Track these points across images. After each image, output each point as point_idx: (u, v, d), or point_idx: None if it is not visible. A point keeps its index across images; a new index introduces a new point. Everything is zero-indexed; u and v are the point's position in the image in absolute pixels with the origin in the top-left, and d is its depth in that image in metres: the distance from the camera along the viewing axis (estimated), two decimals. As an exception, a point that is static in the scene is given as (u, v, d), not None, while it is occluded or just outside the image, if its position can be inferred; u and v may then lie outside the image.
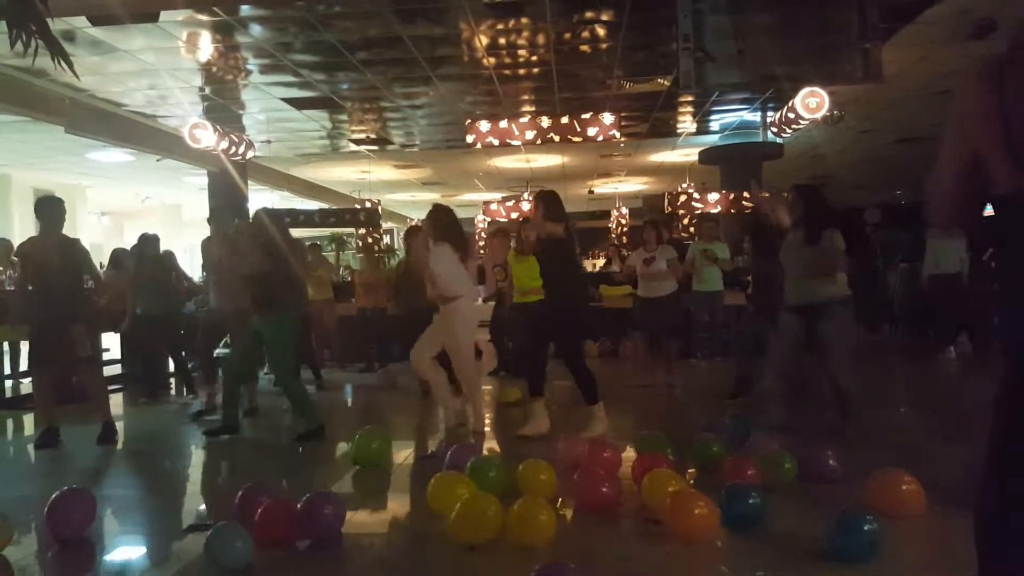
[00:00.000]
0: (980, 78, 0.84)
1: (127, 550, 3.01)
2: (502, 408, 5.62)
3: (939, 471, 3.16)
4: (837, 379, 4.27)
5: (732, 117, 10.09)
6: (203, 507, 3.59)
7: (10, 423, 6.05)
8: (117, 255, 7.54)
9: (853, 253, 4.45)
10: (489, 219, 15.25)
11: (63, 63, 2.60)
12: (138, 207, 15.94)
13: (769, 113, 9.40)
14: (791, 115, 7.89)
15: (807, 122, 7.93)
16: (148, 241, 6.59)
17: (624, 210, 16.25)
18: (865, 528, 2.42)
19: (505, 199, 14.29)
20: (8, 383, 7.44)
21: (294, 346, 4.89)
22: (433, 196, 16.46)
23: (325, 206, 14.55)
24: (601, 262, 14.65)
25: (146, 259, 6.53)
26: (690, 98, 8.89)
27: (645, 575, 2.49)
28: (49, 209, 4.74)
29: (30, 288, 4.81)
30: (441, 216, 4.88)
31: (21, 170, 11.72)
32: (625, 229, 16.00)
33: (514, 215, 13.65)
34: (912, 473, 2.94)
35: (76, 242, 4.88)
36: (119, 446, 4.81)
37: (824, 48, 5.92)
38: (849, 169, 14.31)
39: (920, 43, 6.91)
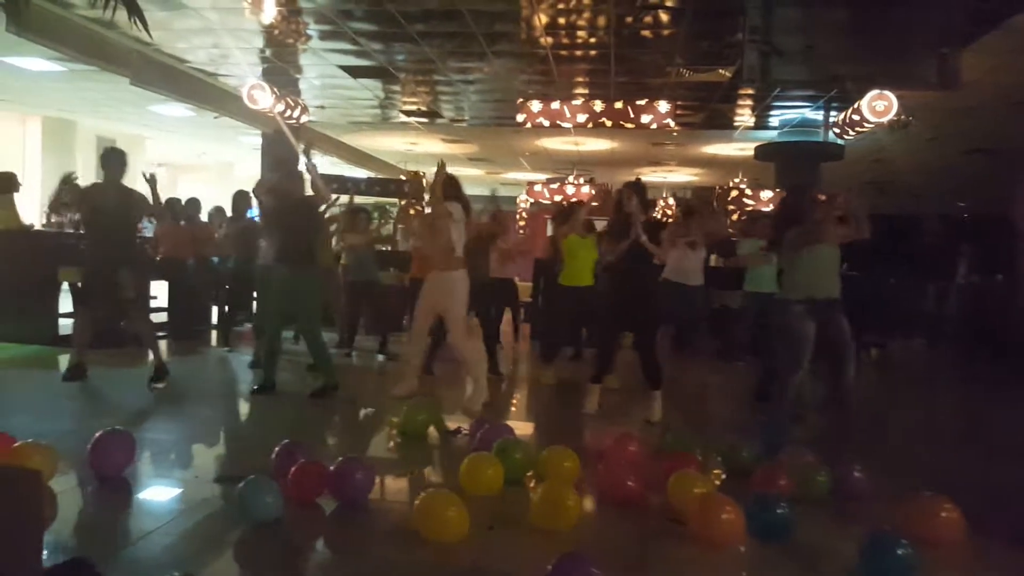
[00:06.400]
0: None
1: (162, 491, 3.13)
2: (540, 388, 5.65)
3: (980, 498, 3.05)
4: (849, 378, 4.19)
5: (793, 114, 9.77)
6: (237, 460, 3.71)
7: (63, 360, 6.31)
8: (170, 203, 7.78)
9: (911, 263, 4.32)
10: (532, 200, 15.17)
11: (138, 22, 2.66)
12: (194, 161, 16.32)
13: (832, 113, 9.07)
14: (856, 117, 7.61)
15: (872, 125, 7.64)
16: (242, 198, 7.15)
17: (671, 200, 15.96)
18: (899, 552, 2.35)
19: (550, 181, 14.17)
20: (65, 321, 7.75)
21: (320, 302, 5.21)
22: (478, 172, 16.43)
23: (372, 175, 14.66)
24: None
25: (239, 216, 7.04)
26: (751, 91, 8.63)
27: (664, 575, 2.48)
28: (111, 159, 5.12)
29: (86, 231, 5.16)
30: (448, 177, 4.75)
31: (86, 117, 12.09)
32: (671, 220, 15.72)
33: (557, 197, 13.55)
34: (951, 499, 2.85)
35: (133, 191, 5.13)
36: (165, 391, 4.97)
37: (897, 50, 5.67)
38: (911, 176, 13.77)
39: (999, 51, 6.55)
